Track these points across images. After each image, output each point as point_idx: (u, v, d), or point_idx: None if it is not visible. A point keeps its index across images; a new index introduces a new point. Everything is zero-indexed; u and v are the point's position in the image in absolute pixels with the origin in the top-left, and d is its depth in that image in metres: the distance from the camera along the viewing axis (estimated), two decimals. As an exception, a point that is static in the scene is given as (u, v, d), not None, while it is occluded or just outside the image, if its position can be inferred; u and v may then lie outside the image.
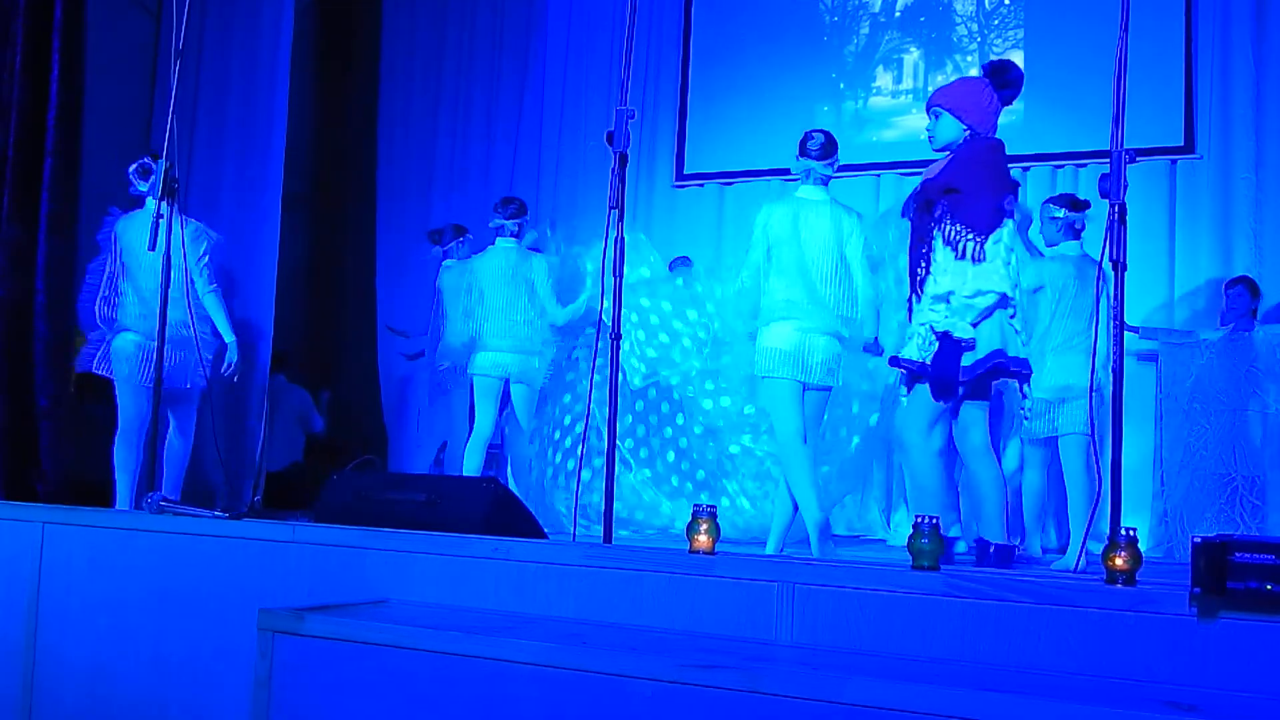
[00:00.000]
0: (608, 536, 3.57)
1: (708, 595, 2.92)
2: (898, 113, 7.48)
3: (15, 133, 5.15)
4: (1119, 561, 2.67)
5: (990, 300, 3.87)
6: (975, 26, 7.31)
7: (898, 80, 7.52)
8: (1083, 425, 4.89)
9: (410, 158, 8.63)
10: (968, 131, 4.02)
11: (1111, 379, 3.21)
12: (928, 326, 3.93)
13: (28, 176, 5.15)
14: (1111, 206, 3.23)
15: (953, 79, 7.11)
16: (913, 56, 7.49)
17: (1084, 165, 6.83)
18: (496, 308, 6.01)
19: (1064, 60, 6.98)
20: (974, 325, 3.87)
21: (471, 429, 6.22)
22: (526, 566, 3.15)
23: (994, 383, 4.12)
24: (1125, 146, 3.26)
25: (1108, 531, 2.93)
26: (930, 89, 7.36)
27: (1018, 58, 7.14)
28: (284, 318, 6.63)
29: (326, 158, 8.68)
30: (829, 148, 4.71)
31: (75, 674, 3.72)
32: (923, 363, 3.92)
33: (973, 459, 4.10)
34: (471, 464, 6.08)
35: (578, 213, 7.70)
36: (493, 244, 6.13)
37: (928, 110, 4.15)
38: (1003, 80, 4.03)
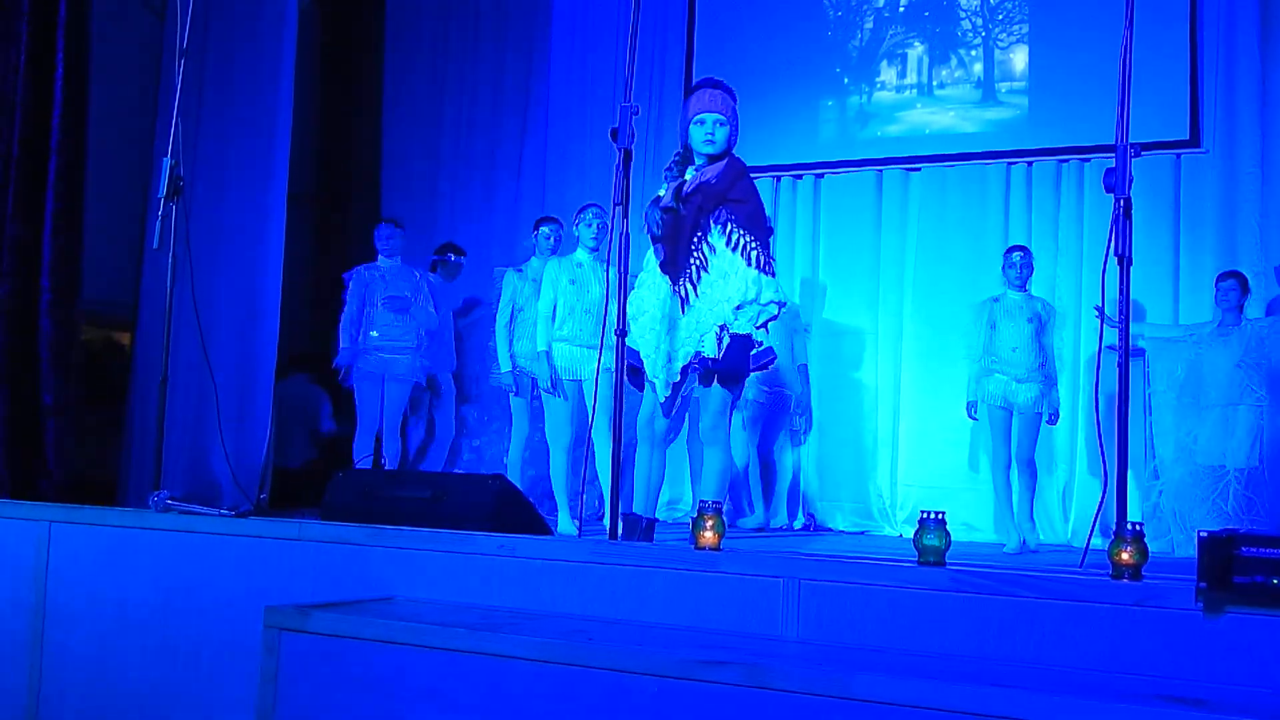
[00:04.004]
0: (613, 533, 3.57)
1: (713, 591, 2.92)
2: (902, 107, 7.46)
3: (20, 131, 5.15)
4: (1125, 556, 2.66)
5: (774, 310, 4.19)
6: (980, 21, 7.29)
7: (902, 75, 7.49)
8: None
9: (414, 156, 8.62)
10: (730, 142, 4.36)
11: (1118, 374, 3.21)
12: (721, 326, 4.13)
13: (33, 174, 5.15)
14: (1116, 201, 3.22)
15: (954, 77, 7.11)
16: (917, 51, 7.47)
17: (1088, 160, 6.81)
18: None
19: (1068, 54, 6.95)
20: (759, 328, 4.19)
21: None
22: (532, 563, 3.15)
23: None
24: (1130, 141, 3.25)
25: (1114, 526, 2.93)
26: (935, 84, 7.36)
27: (1022, 52, 7.13)
28: (290, 317, 6.63)
29: (331, 157, 8.68)
30: None
31: (81, 672, 3.73)
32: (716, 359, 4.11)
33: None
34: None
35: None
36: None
37: (713, 111, 4.33)
38: None
